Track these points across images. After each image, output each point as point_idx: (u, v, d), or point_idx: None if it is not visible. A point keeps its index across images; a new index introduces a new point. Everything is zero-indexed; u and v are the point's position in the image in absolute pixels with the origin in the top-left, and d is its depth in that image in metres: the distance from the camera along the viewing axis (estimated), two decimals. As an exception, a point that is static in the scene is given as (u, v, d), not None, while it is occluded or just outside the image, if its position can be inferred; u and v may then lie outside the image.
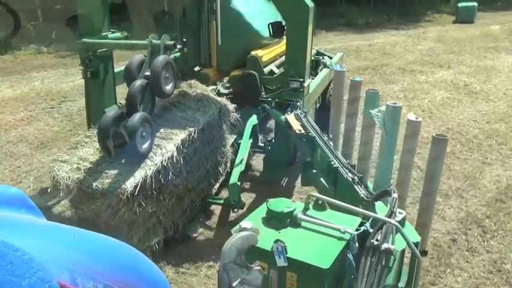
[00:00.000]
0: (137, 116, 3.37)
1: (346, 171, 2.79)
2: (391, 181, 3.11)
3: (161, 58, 3.62)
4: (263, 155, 4.88)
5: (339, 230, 2.01)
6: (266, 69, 5.08)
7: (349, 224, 2.03)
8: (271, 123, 5.35)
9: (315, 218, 2.08)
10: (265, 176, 4.73)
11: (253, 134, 4.64)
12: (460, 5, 17.70)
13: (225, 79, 5.00)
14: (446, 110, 7.49)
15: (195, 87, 4.19)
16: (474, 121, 6.93)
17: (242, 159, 4.21)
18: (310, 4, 3.84)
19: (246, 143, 4.40)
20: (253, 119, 4.70)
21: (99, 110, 4.74)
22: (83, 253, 0.76)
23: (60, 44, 12.23)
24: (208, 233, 4.14)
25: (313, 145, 3.24)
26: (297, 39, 3.90)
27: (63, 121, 7.04)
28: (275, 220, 2.09)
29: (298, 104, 3.77)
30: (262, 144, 4.93)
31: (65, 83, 9.08)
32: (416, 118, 3.07)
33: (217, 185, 4.46)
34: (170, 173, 3.52)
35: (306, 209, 2.11)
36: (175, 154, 3.53)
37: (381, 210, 2.25)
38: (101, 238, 0.83)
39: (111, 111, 3.52)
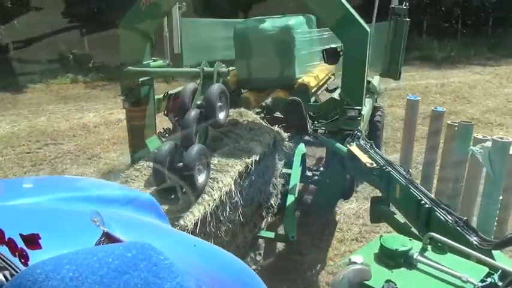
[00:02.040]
0: (195, 150, 3.17)
1: (444, 212, 2.47)
2: (495, 223, 2.81)
3: (216, 87, 3.45)
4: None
5: (460, 278, 1.76)
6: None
7: (473, 273, 1.78)
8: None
9: (433, 261, 1.84)
10: (318, 209, 4.47)
11: (302, 164, 4.43)
12: None
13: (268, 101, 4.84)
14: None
15: (246, 115, 4.00)
16: None
17: (295, 191, 3.99)
18: (368, 29, 3.67)
19: (296, 173, 4.18)
20: (302, 148, 4.49)
21: (140, 140, 4.59)
22: (206, 262, 0.80)
23: (98, 73, 12.32)
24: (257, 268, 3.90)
25: (389, 180, 2.97)
26: (354, 66, 3.71)
27: (27, 173, 6.54)
28: (388, 258, 1.87)
29: (360, 133, 3.54)
30: (310, 174, 4.70)
31: (71, 120, 9.07)
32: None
33: (269, 218, 4.21)
34: (227, 208, 3.30)
35: (423, 249, 1.87)
36: (233, 188, 3.30)
37: (501, 260, 1.97)
38: (218, 250, 0.89)
39: (165, 145, 3.32)
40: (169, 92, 4.99)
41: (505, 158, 2.61)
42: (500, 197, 2.71)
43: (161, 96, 4.88)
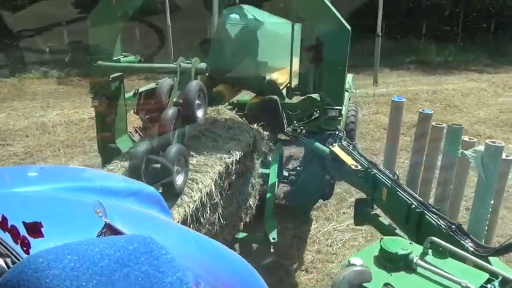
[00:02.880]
0: (173, 150, 3.02)
1: (436, 217, 2.42)
2: (486, 227, 2.81)
3: (194, 83, 3.31)
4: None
5: (459, 283, 1.73)
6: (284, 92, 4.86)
7: (473, 279, 1.75)
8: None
9: (433, 266, 1.80)
10: (295, 210, 4.41)
11: (279, 163, 4.35)
12: None
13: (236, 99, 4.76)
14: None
15: (223, 113, 3.88)
16: None
17: (273, 192, 3.91)
18: (349, 27, 3.62)
19: (275, 173, 4.10)
20: (279, 148, 4.42)
21: (110, 140, 4.37)
22: (206, 258, 0.81)
23: (74, 68, 11.85)
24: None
25: (374, 183, 2.92)
26: (334, 65, 3.66)
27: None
28: (388, 261, 1.83)
29: (342, 134, 3.50)
30: (286, 174, 4.64)
31: (31, 118, 8.63)
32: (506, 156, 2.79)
33: (247, 219, 4.10)
34: (208, 210, 3.17)
35: (424, 253, 1.83)
36: (213, 189, 3.18)
37: (499, 267, 1.96)
38: (220, 247, 0.88)
39: (141, 145, 3.14)
40: (139, 90, 4.79)
41: (497, 162, 2.63)
42: (492, 201, 2.73)
43: (131, 93, 4.67)
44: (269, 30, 4.74)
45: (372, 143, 7.48)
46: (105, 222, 0.74)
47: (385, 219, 3.02)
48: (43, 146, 7.30)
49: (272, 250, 3.68)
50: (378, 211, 3.14)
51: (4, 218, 0.72)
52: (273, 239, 3.57)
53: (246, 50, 4.66)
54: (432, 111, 3.48)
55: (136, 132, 4.86)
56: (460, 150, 3.04)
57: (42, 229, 0.72)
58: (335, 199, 5.37)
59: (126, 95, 4.53)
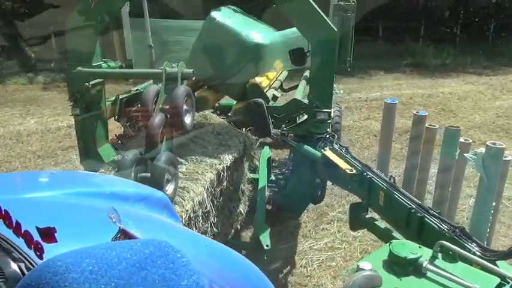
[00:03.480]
0: (163, 158, 2.91)
1: (437, 221, 2.37)
2: (488, 229, 2.80)
3: (182, 89, 3.21)
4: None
5: (470, 288, 1.69)
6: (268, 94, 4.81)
7: (484, 283, 1.72)
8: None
9: (444, 270, 1.76)
10: (286, 215, 4.34)
11: (267, 168, 4.29)
12: None
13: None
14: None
15: (211, 119, 3.79)
16: None
17: (264, 197, 3.84)
18: (336, 30, 3.60)
19: (264, 178, 4.03)
20: (267, 151, 4.36)
21: (92, 150, 4.22)
22: (217, 262, 0.83)
23: (60, 73, 11.51)
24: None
25: (370, 187, 2.88)
26: (322, 68, 3.62)
27: None
28: (397, 265, 1.78)
29: (332, 137, 3.46)
30: (274, 178, 4.57)
31: (7, 127, 8.32)
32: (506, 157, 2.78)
33: (238, 226, 4.02)
34: (200, 219, 3.07)
35: (433, 257, 1.79)
36: (205, 197, 3.08)
37: (508, 270, 1.93)
38: (230, 252, 0.90)
39: (128, 154, 3.01)
40: (120, 96, 4.65)
41: (498, 164, 2.63)
42: (493, 203, 2.73)
43: (112, 100, 4.53)
44: (253, 34, 4.68)
45: (361, 150, 7.16)
46: (120, 227, 0.75)
47: (381, 223, 2.99)
48: (13, 157, 6.97)
49: (265, 258, 3.60)
50: (373, 214, 3.11)
51: (18, 224, 0.73)
52: (267, 245, 3.49)
53: (229, 54, 4.58)
54: (426, 113, 3.47)
55: (118, 140, 4.72)
56: (458, 152, 3.04)
57: (55, 234, 0.73)
58: (315, 213, 5.03)
59: (107, 102, 4.38)
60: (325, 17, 3.50)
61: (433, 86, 11.49)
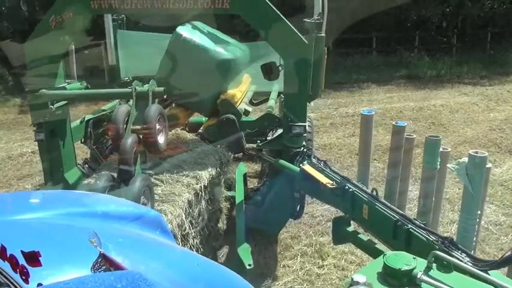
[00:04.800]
0: (137, 181, 2.78)
1: (425, 232, 2.33)
2: (474, 238, 2.80)
3: (154, 108, 3.10)
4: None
5: (466, 298, 1.68)
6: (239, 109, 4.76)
7: (479, 293, 1.71)
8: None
9: (438, 281, 1.73)
10: (265, 232, 4.24)
11: (244, 185, 4.22)
12: None
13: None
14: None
15: (184, 137, 3.69)
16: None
17: (242, 214, 3.75)
18: (307, 42, 3.59)
19: (241, 194, 3.95)
20: (243, 167, 4.29)
21: (58, 175, 4.01)
22: (209, 280, 0.87)
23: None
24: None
25: (353, 200, 2.84)
26: (296, 82, 3.60)
27: None
28: (391, 277, 1.74)
29: (310, 151, 3.43)
30: (250, 195, 4.50)
31: None
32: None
33: (218, 246, 3.90)
34: (179, 241, 2.95)
35: (428, 268, 1.76)
36: (184, 219, 2.97)
37: (501, 279, 1.92)
38: (222, 270, 0.93)
39: (100, 179, 2.86)
40: (86, 117, 4.47)
41: (482, 173, 2.65)
42: (478, 212, 2.75)
43: (78, 122, 4.34)
44: (221, 49, 4.64)
45: (340, 170, 6.17)
46: (100, 252, 0.76)
47: (363, 236, 2.96)
48: (-38, 187, 6.53)
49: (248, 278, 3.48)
50: (355, 226, 3.07)
51: (3, 248, 0.74)
52: (249, 265, 3.38)
53: (197, 70, 4.50)
54: (405, 124, 3.46)
55: (86, 164, 4.52)
56: (439, 162, 3.07)
57: (40, 258, 0.74)
58: (279, 246, 4.35)
59: (72, 124, 4.19)
60: (295, 30, 3.50)
61: (425, 98, 11.03)
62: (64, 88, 3.90)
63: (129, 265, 0.78)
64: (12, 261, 0.73)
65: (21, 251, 0.74)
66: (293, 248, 4.35)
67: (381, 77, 13.43)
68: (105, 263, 0.74)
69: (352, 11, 12.27)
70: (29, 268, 0.72)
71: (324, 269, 3.94)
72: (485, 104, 10.25)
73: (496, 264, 2.01)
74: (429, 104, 10.33)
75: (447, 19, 16.21)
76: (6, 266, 0.72)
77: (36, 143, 4.07)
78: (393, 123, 3.50)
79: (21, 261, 0.73)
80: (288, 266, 4.06)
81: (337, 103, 10.92)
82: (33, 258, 0.74)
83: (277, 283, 3.80)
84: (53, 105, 3.72)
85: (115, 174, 2.94)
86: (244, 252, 3.42)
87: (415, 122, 8.85)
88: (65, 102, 3.93)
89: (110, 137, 3.35)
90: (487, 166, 2.84)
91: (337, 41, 12.40)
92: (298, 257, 4.17)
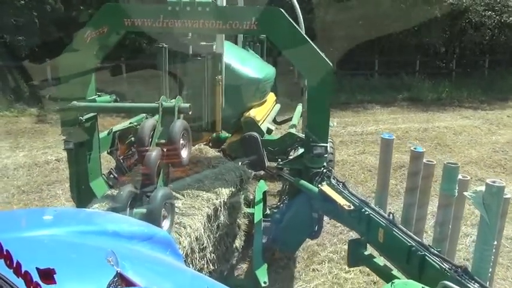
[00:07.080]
0: (159, 194, 2.85)
1: (438, 260, 2.30)
2: (490, 269, 2.75)
3: (178, 124, 3.19)
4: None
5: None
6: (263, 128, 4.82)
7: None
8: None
9: None
10: (283, 251, 4.24)
11: (263, 202, 4.24)
12: None
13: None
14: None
15: (206, 152, 3.76)
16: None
17: (260, 232, 3.77)
18: (331, 64, 3.64)
19: (260, 212, 3.98)
20: (263, 185, 4.32)
21: (84, 184, 4.13)
22: None
23: (55, 106, 11.55)
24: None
25: (369, 223, 2.82)
26: (319, 102, 3.64)
27: None
28: None
29: (330, 172, 3.44)
30: (268, 212, 4.52)
31: None
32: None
33: (234, 262, 3.92)
34: (197, 255, 2.99)
35: None
36: (203, 233, 3.02)
37: None
38: None
39: (124, 189, 2.95)
40: (113, 129, 4.61)
41: (499, 203, 2.61)
42: (495, 242, 2.70)
43: (105, 133, 4.48)
44: (247, 69, 4.74)
45: (355, 186, 6.77)
46: (117, 271, 0.77)
47: (379, 260, 2.93)
48: (-4, 193, 6.78)
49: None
50: (372, 251, 3.05)
51: (18, 264, 0.74)
52: (264, 282, 3.39)
53: (224, 88, 4.59)
54: (424, 150, 3.46)
55: (110, 174, 4.64)
56: (457, 189, 3.03)
57: (55, 276, 0.73)
58: (306, 252, 4.75)
59: (100, 135, 4.34)
60: (319, 51, 3.56)
61: (428, 120, 11.45)
62: (94, 100, 4.05)
63: (145, 285, 0.79)
64: (27, 278, 0.73)
65: (36, 268, 0.74)
66: (320, 254, 4.79)
67: (384, 99, 13.83)
68: (121, 282, 0.75)
69: (355, 35, 12.80)
70: (43, 286, 0.72)
71: (350, 273, 4.26)
72: (487, 127, 10.67)
73: None
74: (433, 126, 10.76)
75: (446, 44, 16.72)
76: (20, 283, 0.72)
77: (60, 151, 4.22)
78: (412, 148, 3.48)
79: (36, 278, 0.73)
80: (317, 271, 4.48)
81: (344, 122, 11.23)
82: (48, 275, 0.73)
83: (308, 286, 4.21)
84: (82, 116, 3.87)
85: (138, 186, 3.03)
86: (261, 270, 3.44)
87: (421, 142, 9.15)
88: (94, 114, 4.08)
89: (135, 149, 3.44)
90: (506, 197, 2.78)
91: (341, 62, 12.72)
92: (326, 262, 4.60)
